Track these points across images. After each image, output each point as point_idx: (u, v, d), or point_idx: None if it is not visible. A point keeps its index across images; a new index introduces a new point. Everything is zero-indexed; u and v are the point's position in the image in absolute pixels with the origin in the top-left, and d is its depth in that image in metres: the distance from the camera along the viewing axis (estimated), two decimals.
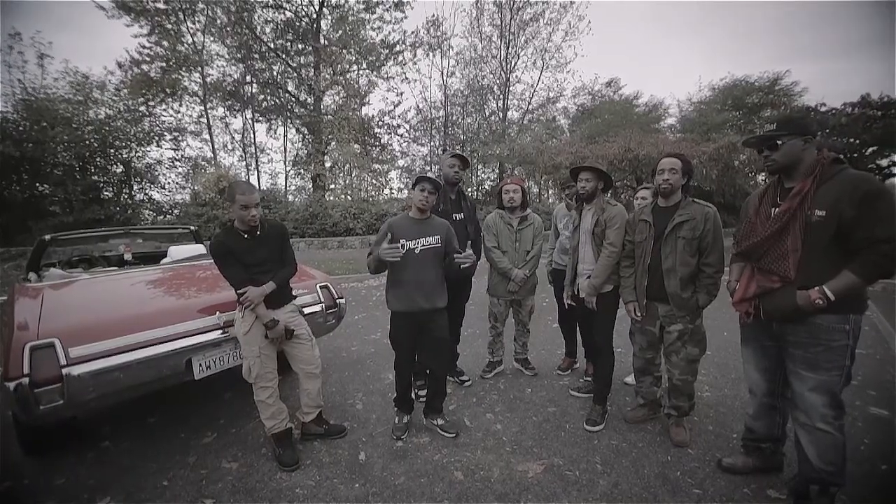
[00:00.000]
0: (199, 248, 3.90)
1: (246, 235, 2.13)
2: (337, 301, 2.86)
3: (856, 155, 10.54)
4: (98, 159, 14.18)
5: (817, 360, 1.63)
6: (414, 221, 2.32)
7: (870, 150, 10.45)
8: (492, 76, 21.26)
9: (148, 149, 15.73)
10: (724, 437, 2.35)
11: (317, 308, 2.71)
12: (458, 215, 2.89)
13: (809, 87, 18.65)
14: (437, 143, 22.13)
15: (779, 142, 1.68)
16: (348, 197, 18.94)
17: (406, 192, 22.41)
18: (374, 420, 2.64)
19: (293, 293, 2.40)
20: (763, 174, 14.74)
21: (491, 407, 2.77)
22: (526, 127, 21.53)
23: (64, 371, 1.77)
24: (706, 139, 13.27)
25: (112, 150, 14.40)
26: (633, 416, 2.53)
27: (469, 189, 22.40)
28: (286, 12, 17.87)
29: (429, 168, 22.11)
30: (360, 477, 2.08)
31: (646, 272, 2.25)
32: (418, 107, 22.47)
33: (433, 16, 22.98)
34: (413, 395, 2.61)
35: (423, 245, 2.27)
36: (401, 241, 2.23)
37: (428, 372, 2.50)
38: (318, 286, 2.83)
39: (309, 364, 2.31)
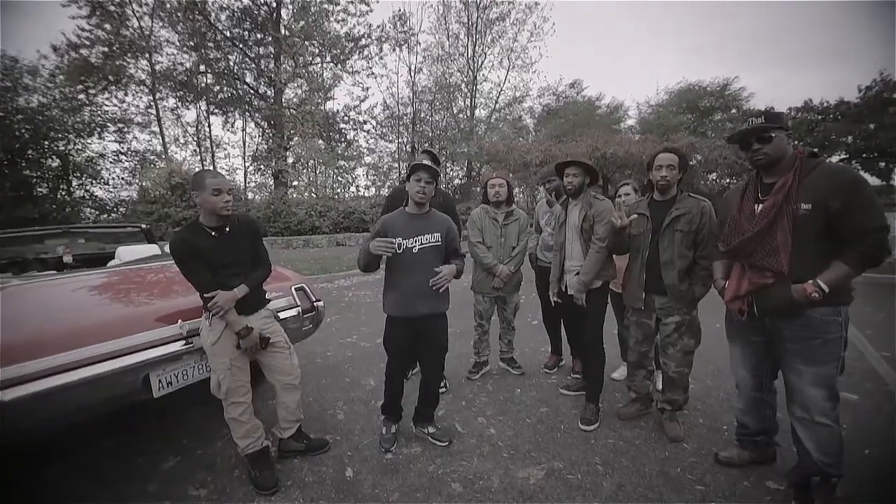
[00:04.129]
0: (153, 249, 3.52)
1: (213, 232, 1.88)
2: (315, 304, 2.64)
3: None
4: (30, 152, 12.85)
5: (815, 353, 1.63)
6: (411, 217, 2.14)
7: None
8: (459, 74, 21.21)
9: (88, 141, 14.53)
10: (716, 429, 2.37)
11: (293, 312, 2.48)
12: None
13: (765, 93, 20.00)
14: (405, 140, 21.83)
15: (772, 134, 1.67)
16: (313, 194, 18.27)
17: (373, 189, 21.99)
18: (358, 431, 2.45)
19: (266, 297, 2.17)
20: (714, 173, 15.68)
21: (482, 410, 2.66)
22: (493, 125, 21.69)
23: None
24: (664, 139, 13.89)
25: (46, 142, 13.13)
26: (626, 413, 2.50)
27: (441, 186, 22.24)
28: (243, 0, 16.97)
29: (396, 165, 21.79)
30: (349, 496, 1.90)
31: (644, 265, 2.22)
32: (385, 102, 22.07)
33: (399, 10, 22.60)
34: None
35: (422, 243, 2.09)
36: (397, 240, 2.05)
37: (421, 380, 2.34)
38: (293, 288, 2.59)
39: (287, 375, 2.09)
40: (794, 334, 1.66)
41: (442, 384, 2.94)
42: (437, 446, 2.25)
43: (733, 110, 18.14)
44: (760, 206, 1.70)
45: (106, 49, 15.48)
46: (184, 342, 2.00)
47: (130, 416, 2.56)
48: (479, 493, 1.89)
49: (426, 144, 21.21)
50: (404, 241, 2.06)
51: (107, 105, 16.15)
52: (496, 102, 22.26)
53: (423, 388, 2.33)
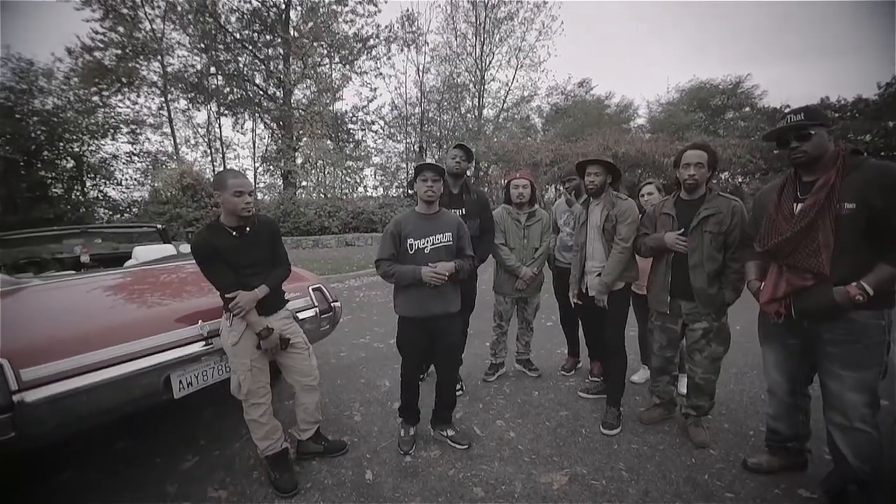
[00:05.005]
0: (169, 249, 3.53)
1: (234, 232, 1.87)
2: (332, 304, 2.62)
3: None
4: (45, 153, 13.05)
5: (857, 358, 1.57)
6: (422, 217, 2.12)
7: None
8: (467, 74, 21.14)
9: (102, 142, 14.69)
10: (742, 434, 2.31)
11: (311, 313, 2.46)
12: (457, 211, 2.72)
13: (769, 90, 19.70)
14: (413, 140, 21.83)
15: (812, 132, 1.61)
16: (322, 195, 18.33)
17: (381, 189, 22.01)
18: (375, 433, 2.43)
19: (285, 297, 2.16)
20: (726, 172, 15.44)
21: (500, 413, 2.62)
22: (501, 125, 21.58)
23: (15, 398, 1.47)
24: (676, 138, 13.72)
25: (61, 144, 13.32)
26: (648, 417, 2.45)
27: None
28: (253, 1, 17.08)
29: (404, 166, 21.78)
30: (369, 500, 1.87)
31: (669, 268, 2.16)
32: (393, 103, 22.07)
33: (407, 10, 22.53)
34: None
35: (434, 244, 2.07)
36: (408, 240, 2.03)
37: (437, 381, 2.31)
38: (310, 288, 2.58)
39: (306, 376, 2.08)
40: (835, 338, 1.60)
41: (459, 386, 2.91)
42: (456, 449, 2.22)
43: (746, 108, 17.87)
44: (800, 205, 1.64)
45: (119, 51, 15.64)
46: (204, 343, 2.00)
47: (148, 417, 2.56)
48: (502, 498, 1.85)
49: (434, 145, 21.22)
50: (416, 242, 2.05)
51: (120, 107, 16.34)
52: (504, 102, 22.13)
53: (439, 389, 2.30)
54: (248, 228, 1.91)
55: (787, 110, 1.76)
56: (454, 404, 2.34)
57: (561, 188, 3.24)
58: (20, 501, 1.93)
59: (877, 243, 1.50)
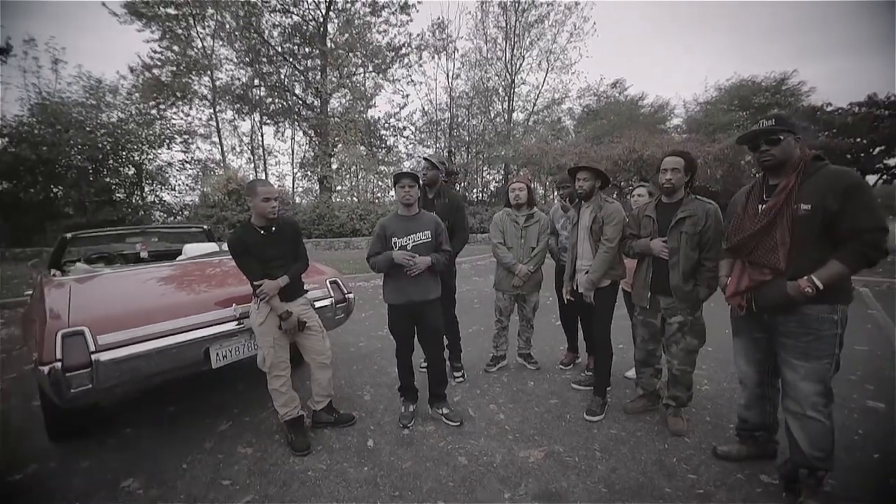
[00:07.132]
0: (213, 246, 4.03)
1: (262, 231, 2.24)
2: (346, 296, 2.97)
3: (863, 154, 10.50)
4: (111, 162, 14.52)
5: (808, 349, 1.70)
6: (403, 219, 2.44)
7: (877, 149, 10.43)
8: (497, 78, 21.35)
9: (159, 151, 16.08)
10: (721, 427, 2.42)
11: (327, 302, 2.82)
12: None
13: (817, 87, 18.49)
14: (443, 145, 22.26)
15: (781, 137, 1.75)
16: (354, 198, 19.13)
17: None
18: (381, 410, 2.74)
19: (304, 287, 2.52)
20: None
21: (494, 398, 2.86)
22: (531, 128, 21.59)
23: (93, 357, 1.89)
24: (712, 140, 13.28)
25: (124, 153, 14.74)
26: (632, 407, 2.61)
27: (475, 189, 22.56)
28: (293, 16, 18.17)
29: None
30: (368, 461, 2.18)
31: (650, 267, 2.33)
32: (424, 109, 22.66)
33: (438, 18, 23.14)
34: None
35: (414, 241, 2.39)
36: (392, 239, 2.34)
37: (427, 362, 2.61)
38: (328, 281, 2.94)
39: (320, 354, 2.42)
40: (789, 330, 1.74)
41: (460, 374, 3.18)
42: (449, 426, 2.49)
43: (790, 107, 16.96)
44: (763, 205, 1.79)
45: (174, 68, 17.19)
46: (237, 323, 2.40)
47: (197, 389, 3.01)
48: (482, 467, 2.10)
49: (463, 149, 21.52)
50: (399, 240, 2.37)
51: (174, 119, 17.92)
52: (534, 105, 22.17)
53: (429, 368, 2.61)
54: (273, 228, 2.29)
55: (766, 115, 1.88)
56: (445, 382, 2.62)
57: (558, 193, 3.44)
58: (96, 447, 2.39)
59: (832, 243, 1.63)
